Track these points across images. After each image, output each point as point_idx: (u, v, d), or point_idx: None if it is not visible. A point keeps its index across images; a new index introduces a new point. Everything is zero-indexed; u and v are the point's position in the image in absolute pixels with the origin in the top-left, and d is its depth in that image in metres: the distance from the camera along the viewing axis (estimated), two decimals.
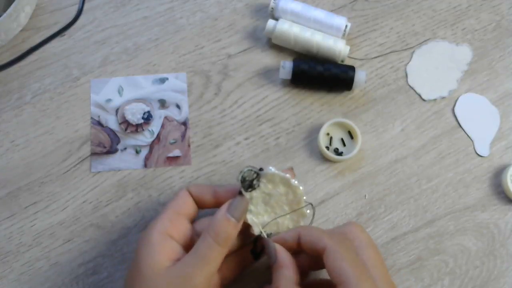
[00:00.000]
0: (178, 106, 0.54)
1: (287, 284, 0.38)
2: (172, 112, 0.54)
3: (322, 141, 0.52)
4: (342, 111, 0.54)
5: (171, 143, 0.52)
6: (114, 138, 0.52)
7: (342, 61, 0.55)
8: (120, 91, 0.54)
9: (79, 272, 0.48)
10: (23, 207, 0.50)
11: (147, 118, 0.53)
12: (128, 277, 0.40)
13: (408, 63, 0.56)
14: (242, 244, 0.43)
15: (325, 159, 0.52)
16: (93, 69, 0.55)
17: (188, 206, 0.43)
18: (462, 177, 0.51)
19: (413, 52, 0.57)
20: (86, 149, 0.52)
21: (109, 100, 0.54)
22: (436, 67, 0.56)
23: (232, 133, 0.53)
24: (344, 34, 0.55)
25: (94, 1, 0.59)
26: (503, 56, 0.57)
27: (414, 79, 0.55)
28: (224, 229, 0.39)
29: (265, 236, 0.42)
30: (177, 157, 0.52)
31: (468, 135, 0.53)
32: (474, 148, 0.53)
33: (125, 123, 0.53)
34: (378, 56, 0.56)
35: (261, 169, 0.42)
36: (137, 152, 0.52)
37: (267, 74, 0.55)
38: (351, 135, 0.52)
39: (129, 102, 0.54)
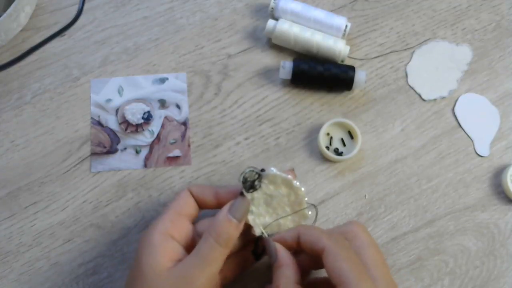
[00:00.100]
0: (178, 106, 0.54)
1: (287, 283, 0.38)
2: (172, 112, 0.54)
3: (322, 141, 0.52)
4: (342, 111, 0.54)
5: (171, 143, 0.52)
6: (114, 138, 0.52)
7: (342, 61, 0.55)
8: (120, 91, 0.54)
9: (79, 272, 0.48)
10: (23, 207, 0.50)
11: (147, 118, 0.53)
12: (129, 278, 0.40)
13: (408, 63, 0.56)
14: (244, 244, 0.43)
15: (325, 159, 0.52)
16: (93, 69, 0.55)
17: (189, 207, 0.43)
18: (462, 177, 0.51)
19: (413, 52, 0.57)
20: (86, 149, 0.52)
21: (109, 100, 0.54)
22: (436, 67, 0.56)
23: (232, 133, 0.53)
24: (344, 34, 0.55)
25: (94, 1, 0.59)
26: (503, 56, 0.57)
27: (414, 79, 0.55)
28: (225, 230, 0.39)
29: (266, 236, 0.42)
30: (177, 157, 0.52)
31: (468, 135, 0.53)
32: (474, 148, 0.53)
33: (125, 123, 0.53)
34: (378, 56, 0.56)
35: (262, 170, 0.42)
36: (137, 152, 0.52)
37: (267, 74, 0.55)
38: (351, 135, 0.52)
39: (129, 102, 0.54)
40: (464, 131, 0.53)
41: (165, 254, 0.39)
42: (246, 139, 0.53)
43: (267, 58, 0.56)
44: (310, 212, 0.43)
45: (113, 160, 0.52)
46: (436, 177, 0.51)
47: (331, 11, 0.58)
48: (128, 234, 0.49)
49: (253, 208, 0.42)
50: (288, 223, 0.43)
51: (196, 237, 0.42)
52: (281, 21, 0.55)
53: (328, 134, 0.52)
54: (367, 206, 0.50)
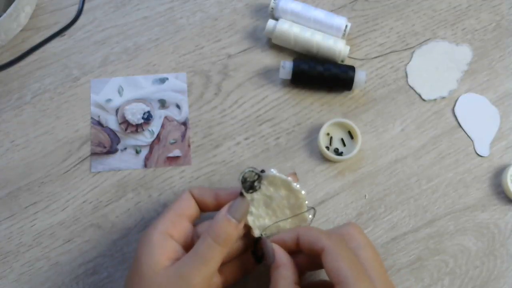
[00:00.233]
0: (178, 106, 0.54)
1: (285, 283, 0.38)
2: (172, 112, 0.54)
3: (322, 141, 0.52)
4: (342, 111, 0.54)
5: (171, 143, 0.52)
6: (114, 138, 0.52)
7: (342, 61, 0.55)
8: (120, 91, 0.54)
9: (79, 272, 0.48)
10: (23, 207, 0.50)
11: (147, 118, 0.53)
12: (128, 276, 0.41)
13: (408, 63, 0.56)
14: (245, 248, 0.43)
15: (325, 159, 0.52)
16: (93, 69, 0.55)
17: (190, 208, 0.43)
18: (462, 177, 0.51)
19: (413, 52, 0.57)
20: (86, 149, 0.52)
21: (109, 100, 0.54)
22: (436, 67, 0.56)
23: (232, 133, 0.53)
24: (344, 34, 0.55)
25: (94, 1, 0.59)
26: (503, 56, 0.57)
27: (414, 79, 0.55)
28: (224, 229, 0.39)
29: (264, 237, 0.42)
30: (177, 157, 0.52)
31: (468, 135, 0.53)
32: (474, 148, 0.53)
33: (125, 123, 0.53)
34: (378, 56, 0.56)
35: (262, 171, 0.42)
36: (137, 152, 0.52)
37: (267, 74, 0.55)
38: (351, 135, 0.52)
39: (129, 102, 0.54)
40: (464, 131, 0.53)
41: (164, 253, 0.39)
42: (246, 139, 0.53)
43: (267, 58, 0.56)
44: (310, 216, 0.43)
45: (113, 160, 0.52)
46: (436, 177, 0.51)
47: (331, 11, 0.58)
48: (128, 234, 0.49)
49: (252, 209, 0.42)
50: (287, 225, 0.43)
51: (195, 238, 0.42)
52: (281, 21, 0.55)
53: (328, 134, 0.52)
54: (367, 206, 0.50)
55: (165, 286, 0.38)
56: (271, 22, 0.55)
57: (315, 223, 0.49)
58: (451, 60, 0.56)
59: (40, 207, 0.50)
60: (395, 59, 0.56)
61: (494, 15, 0.58)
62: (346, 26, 0.55)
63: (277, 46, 0.56)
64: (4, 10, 0.53)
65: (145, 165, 0.51)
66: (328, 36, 0.54)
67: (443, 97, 0.55)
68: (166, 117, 0.53)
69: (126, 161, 0.52)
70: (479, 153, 0.52)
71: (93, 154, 0.52)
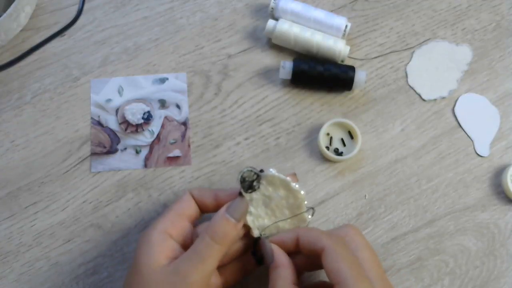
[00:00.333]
0: (178, 106, 0.54)
1: (284, 283, 0.38)
2: (172, 112, 0.54)
3: (322, 141, 0.52)
4: (342, 111, 0.54)
5: (171, 143, 0.52)
6: (114, 138, 0.52)
7: (342, 61, 0.55)
8: (120, 91, 0.54)
9: (79, 272, 0.48)
10: (23, 207, 0.50)
11: (147, 118, 0.53)
12: (127, 275, 0.41)
13: (408, 63, 0.56)
14: (246, 249, 0.43)
15: (325, 159, 0.52)
16: (93, 69, 0.55)
17: (190, 208, 0.43)
18: (462, 177, 0.51)
19: (413, 52, 0.57)
20: (86, 149, 0.52)
21: (109, 100, 0.54)
22: (436, 67, 0.56)
23: (232, 133, 0.53)
24: (344, 34, 0.55)
25: (94, 1, 0.59)
26: (503, 56, 0.57)
27: (414, 79, 0.55)
28: (222, 228, 0.39)
29: (262, 237, 0.42)
30: (177, 157, 0.52)
31: (468, 135, 0.53)
32: (474, 148, 0.53)
33: (125, 123, 0.53)
34: (378, 56, 0.56)
35: (261, 171, 0.42)
36: (137, 152, 0.52)
37: (267, 74, 0.55)
38: (351, 135, 0.52)
39: (129, 102, 0.54)
40: (464, 131, 0.53)
41: (162, 252, 0.39)
42: (246, 139, 0.53)
43: (267, 58, 0.56)
44: (310, 216, 0.43)
45: (113, 160, 0.52)
46: (436, 177, 0.51)
47: (331, 11, 0.58)
48: (128, 234, 0.49)
49: (252, 209, 0.42)
50: (287, 226, 0.43)
51: (195, 238, 0.42)
52: (281, 21, 0.55)
53: (328, 134, 0.52)
54: (367, 206, 0.50)
55: (163, 283, 0.38)
56: (271, 22, 0.55)
57: (315, 223, 0.49)
58: (451, 60, 0.56)
59: (40, 207, 0.50)
60: (395, 59, 0.56)
61: (494, 15, 0.58)
62: (346, 26, 0.55)
63: (277, 46, 0.56)
64: (4, 10, 0.53)
65: (145, 165, 0.51)
66: (328, 36, 0.54)
67: (443, 97, 0.55)
68: (166, 117, 0.53)
69: (126, 161, 0.52)
70: (479, 153, 0.52)
71: (93, 154, 0.52)
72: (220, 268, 0.42)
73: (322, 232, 0.39)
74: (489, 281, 0.48)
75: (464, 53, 0.57)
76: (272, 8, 0.56)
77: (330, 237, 0.39)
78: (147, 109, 0.54)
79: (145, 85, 0.55)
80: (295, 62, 0.53)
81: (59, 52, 0.56)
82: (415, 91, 0.55)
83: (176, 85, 0.55)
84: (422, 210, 0.50)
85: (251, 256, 0.43)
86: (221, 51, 0.56)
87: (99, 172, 0.51)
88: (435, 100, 0.55)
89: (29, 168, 0.51)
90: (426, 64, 0.56)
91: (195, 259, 0.38)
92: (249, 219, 0.41)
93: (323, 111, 0.54)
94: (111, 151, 0.52)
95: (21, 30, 0.57)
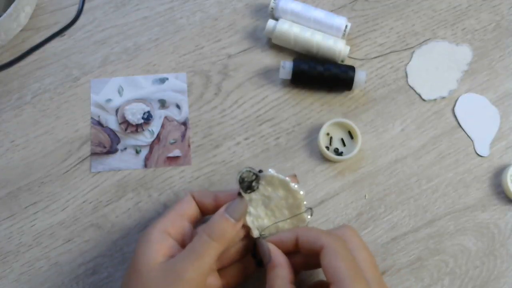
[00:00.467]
0: (178, 106, 0.54)
1: (281, 283, 0.38)
2: (172, 112, 0.54)
3: (322, 141, 0.52)
4: (342, 111, 0.54)
5: (171, 143, 0.52)
6: (114, 138, 0.52)
7: (342, 61, 0.55)
8: (120, 91, 0.54)
9: (79, 272, 0.48)
10: (23, 207, 0.50)
11: (147, 118, 0.53)
12: (126, 274, 0.41)
13: (408, 63, 0.56)
14: (246, 251, 0.43)
15: (325, 159, 0.52)
16: (93, 69, 0.55)
17: (190, 209, 0.43)
18: (462, 177, 0.51)
19: (413, 52, 0.57)
20: (86, 149, 0.52)
21: (109, 100, 0.54)
22: (436, 67, 0.56)
23: (232, 133, 0.53)
24: (344, 34, 0.55)
25: (94, 1, 0.59)
26: (503, 56, 0.57)
27: (414, 79, 0.55)
28: (220, 226, 0.39)
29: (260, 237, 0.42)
30: (177, 157, 0.52)
31: (468, 135, 0.53)
32: (474, 148, 0.53)
33: (125, 123, 0.53)
34: (378, 56, 0.56)
35: (260, 171, 0.42)
36: (137, 152, 0.52)
37: (267, 74, 0.55)
38: (351, 135, 0.52)
39: (129, 102, 0.54)
40: (464, 131, 0.53)
41: (160, 250, 0.39)
42: (246, 139, 0.53)
43: (267, 58, 0.56)
44: (309, 216, 0.42)
45: (113, 160, 0.52)
46: (436, 177, 0.51)
47: (331, 11, 0.58)
48: (128, 234, 0.49)
49: (251, 209, 0.42)
50: (286, 226, 0.43)
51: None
52: (281, 21, 0.55)
53: (328, 134, 0.52)
54: (367, 206, 0.50)
55: (159, 280, 0.38)
56: (271, 22, 0.55)
57: (315, 223, 0.49)
58: (451, 60, 0.56)
59: (40, 207, 0.50)
60: (395, 59, 0.56)
61: (494, 15, 0.58)
62: (346, 26, 0.55)
63: (277, 46, 0.56)
64: (4, 10, 0.53)
65: (145, 165, 0.51)
66: (328, 36, 0.54)
67: (443, 97, 0.55)
68: (166, 117, 0.53)
69: (126, 161, 0.52)
70: (479, 153, 0.52)
71: (93, 154, 0.52)
72: (221, 270, 0.42)
73: (322, 231, 0.39)
74: (489, 281, 0.48)
75: (464, 53, 0.57)
76: (272, 8, 0.56)
77: (330, 236, 0.39)
78: (147, 109, 0.54)
79: (145, 85, 0.55)
80: (295, 62, 0.53)
81: (59, 52, 0.56)
82: (415, 91, 0.55)
83: (176, 85, 0.55)
84: (422, 210, 0.50)
85: (252, 258, 0.43)
86: (221, 51, 0.56)
87: (99, 172, 0.51)
88: (435, 100, 0.55)
89: (29, 168, 0.51)
90: (426, 64, 0.56)
91: (191, 256, 0.38)
92: (249, 220, 0.41)
93: (323, 111, 0.54)
94: (111, 151, 0.52)
95: (21, 30, 0.57)
